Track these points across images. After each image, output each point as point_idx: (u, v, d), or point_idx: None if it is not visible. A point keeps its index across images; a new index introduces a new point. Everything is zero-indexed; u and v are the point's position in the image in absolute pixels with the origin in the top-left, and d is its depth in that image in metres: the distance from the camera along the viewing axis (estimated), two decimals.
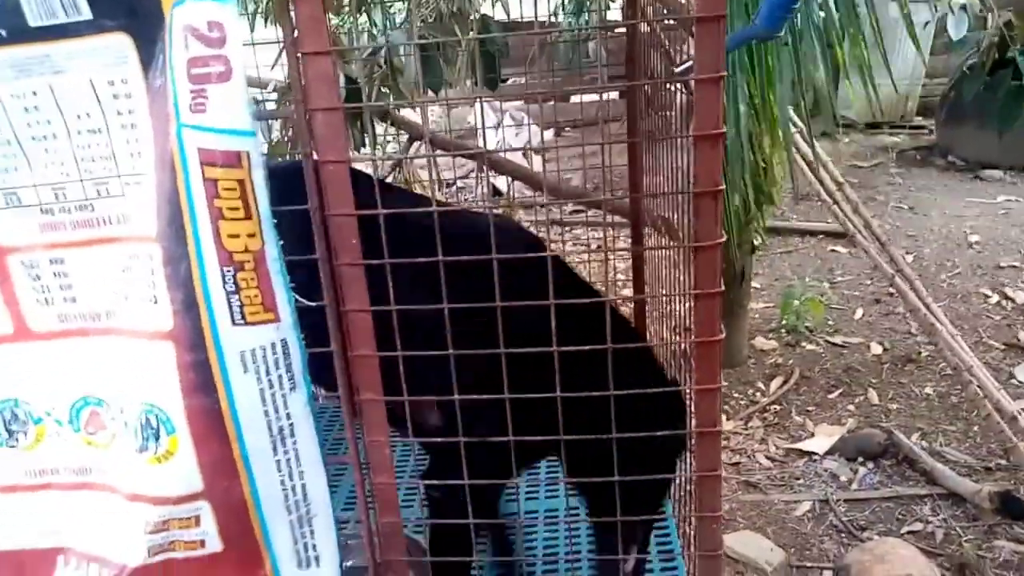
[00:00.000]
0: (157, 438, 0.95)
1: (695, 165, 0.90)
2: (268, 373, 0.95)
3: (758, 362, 3.25)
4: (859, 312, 3.63)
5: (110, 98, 0.88)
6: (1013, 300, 3.63)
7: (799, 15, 1.81)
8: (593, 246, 3.85)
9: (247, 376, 0.93)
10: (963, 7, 2.00)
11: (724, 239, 0.93)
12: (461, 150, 2.54)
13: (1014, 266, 3.99)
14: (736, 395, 3.03)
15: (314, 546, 1.04)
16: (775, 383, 3.08)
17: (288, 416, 0.97)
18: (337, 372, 1.01)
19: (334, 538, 1.05)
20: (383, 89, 2.19)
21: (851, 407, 2.91)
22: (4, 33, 0.85)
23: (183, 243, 0.88)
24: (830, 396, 2.99)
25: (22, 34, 0.86)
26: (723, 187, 0.89)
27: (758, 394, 3.04)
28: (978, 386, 2.36)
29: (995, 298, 3.67)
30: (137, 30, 0.85)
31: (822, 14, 1.97)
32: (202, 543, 0.99)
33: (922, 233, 4.54)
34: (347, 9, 2.58)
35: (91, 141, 0.90)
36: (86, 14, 0.84)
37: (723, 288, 0.98)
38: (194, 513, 0.97)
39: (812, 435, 2.75)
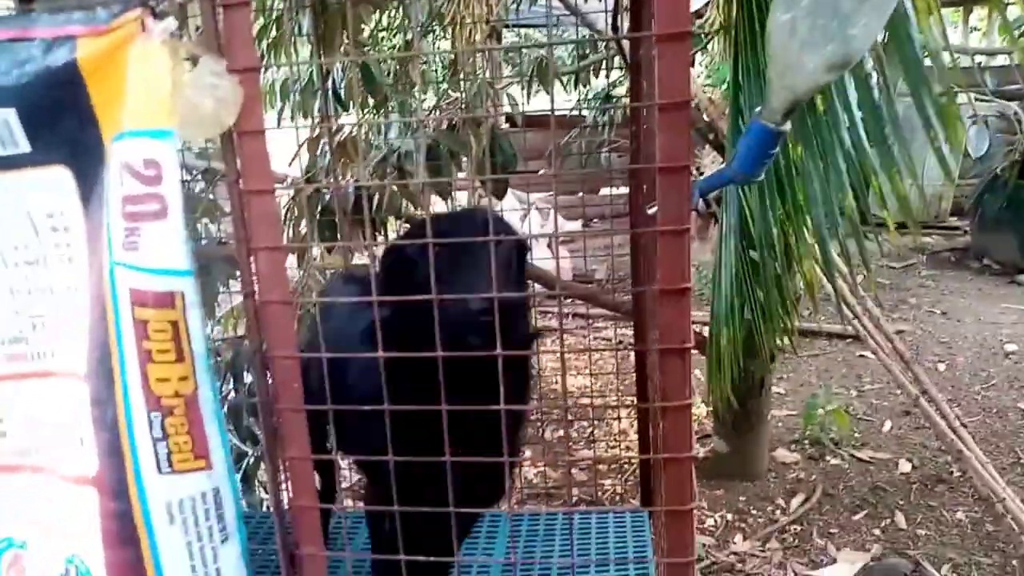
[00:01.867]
0: None
1: (661, 315, 0.83)
2: (197, 524, 0.88)
3: (779, 476, 3.09)
4: (887, 424, 3.46)
5: (49, 230, 0.85)
6: None
7: (824, 137, 1.73)
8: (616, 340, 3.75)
9: (173, 528, 0.86)
10: (985, 121, 1.94)
11: (690, 402, 0.84)
12: None
13: None
14: (755, 511, 2.87)
15: None
16: (796, 500, 2.91)
17: (217, 571, 0.90)
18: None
19: None
20: (394, 188, 2.18)
21: (876, 531, 2.72)
22: None
23: (111, 384, 0.83)
24: (854, 518, 2.81)
25: None
26: (689, 344, 0.82)
27: (778, 512, 2.87)
28: (1012, 519, 2.19)
29: None
30: (77, 164, 0.83)
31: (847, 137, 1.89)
32: None
33: (955, 340, 4.37)
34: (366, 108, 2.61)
35: (28, 273, 0.87)
36: (24, 147, 0.82)
37: (690, 400, 0.88)
38: None
39: (834, 561, 2.57)
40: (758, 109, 0.90)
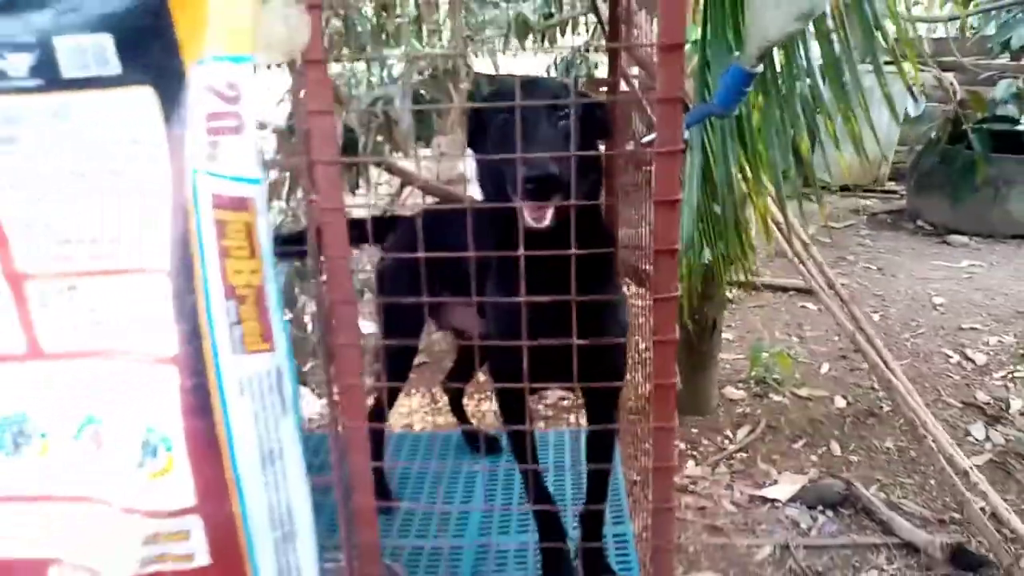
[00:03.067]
0: (155, 455, 1.02)
1: (654, 227, 1.01)
2: (262, 397, 1.03)
3: (727, 411, 3.35)
4: (825, 367, 3.75)
5: (133, 144, 0.98)
6: (973, 361, 3.77)
7: (785, 83, 1.94)
8: None
9: (243, 399, 1.01)
10: (922, 87, 2.16)
11: (679, 293, 1.03)
12: (450, 196, 2.66)
13: (975, 328, 4.15)
14: (705, 442, 3.12)
15: (295, 564, 1.11)
16: (742, 432, 3.18)
17: (278, 439, 1.05)
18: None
19: (314, 556, 1.12)
20: (379, 138, 2.30)
21: (814, 457, 3.01)
22: (42, 82, 0.95)
23: (191, 278, 0.97)
24: (794, 446, 3.09)
25: (56, 84, 0.95)
26: (678, 246, 1.00)
27: (726, 441, 3.13)
28: (932, 440, 2.46)
29: (956, 358, 3.81)
30: (161, 85, 0.96)
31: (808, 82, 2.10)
32: (191, 557, 1.06)
33: (889, 294, 4.70)
34: (347, 57, 2.71)
35: (113, 181, 0.99)
36: (116, 70, 0.94)
37: (677, 336, 1.07)
38: (185, 527, 1.04)
39: (776, 483, 2.84)
40: (736, 54, 1.08)
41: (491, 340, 1.49)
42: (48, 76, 0.95)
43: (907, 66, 1.93)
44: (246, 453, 1.03)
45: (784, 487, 2.79)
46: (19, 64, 0.94)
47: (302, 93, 0.96)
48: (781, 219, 2.72)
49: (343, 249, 1.02)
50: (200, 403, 1.00)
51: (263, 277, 1.00)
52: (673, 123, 0.97)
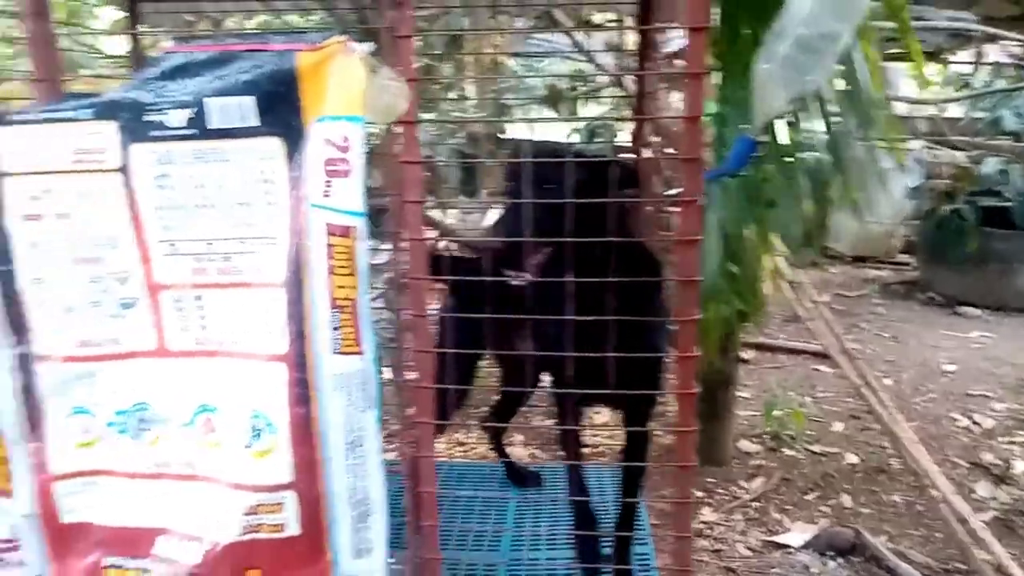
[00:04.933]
0: (259, 437, 1.24)
1: (677, 263, 1.23)
2: (351, 394, 1.24)
3: (742, 463, 3.50)
4: (838, 426, 3.90)
5: (259, 182, 1.22)
6: (980, 425, 3.90)
7: (792, 153, 2.18)
8: None
9: (336, 394, 1.23)
10: (916, 160, 2.40)
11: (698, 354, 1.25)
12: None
13: (983, 395, 4.28)
14: (720, 491, 3.27)
15: (368, 539, 1.30)
16: (756, 482, 3.32)
17: (362, 430, 1.26)
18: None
19: (385, 534, 1.32)
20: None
21: (825, 508, 3.14)
22: (196, 132, 1.20)
23: (302, 290, 1.20)
24: (806, 498, 3.22)
25: (205, 134, 1.20)
26: (698, 278, 1.22)
27: (740, 491, 3.27)
28: (937, 492, 2.61)
29: (964, 422, 3.95)
30: (287, 136, 1.20)
31: (816, 154, 2.34)
32: (282, 527, 1.26)
33: (900, 360, 4.85)
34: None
35: (240, 212, 1.23)
36: (255, 122, 1.19)
37: (696, 389, 1.28)
38: (281, 500, 1.24)
39: (788, 530, 2.97)
40: (744, 126, 1.32)
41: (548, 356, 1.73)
42: (199, 127, 1.20)
43: (901, 143, 2.17)
44: (335, 439, 1.24)
45: (796, 535, 2.92)
46: (179, 118, 1.19)
47: (395, 147, 1.20)
48: (795, 281, 2.94)
49: (423, 271, 1.25)
50: (302, 394, 1.22)
51: (359, 292, 1.23)
52: (694, 178, 1.21)
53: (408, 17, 1.19)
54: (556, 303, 1.53)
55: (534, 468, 2.52)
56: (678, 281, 1.23)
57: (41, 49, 1.25)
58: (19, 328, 1.28)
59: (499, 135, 2.75)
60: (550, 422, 1.76)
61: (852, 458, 3.55)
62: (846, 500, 3.20)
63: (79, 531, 1.33)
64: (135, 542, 1.32)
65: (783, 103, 1.23)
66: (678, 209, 1.23)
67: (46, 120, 1.22)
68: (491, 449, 2.58)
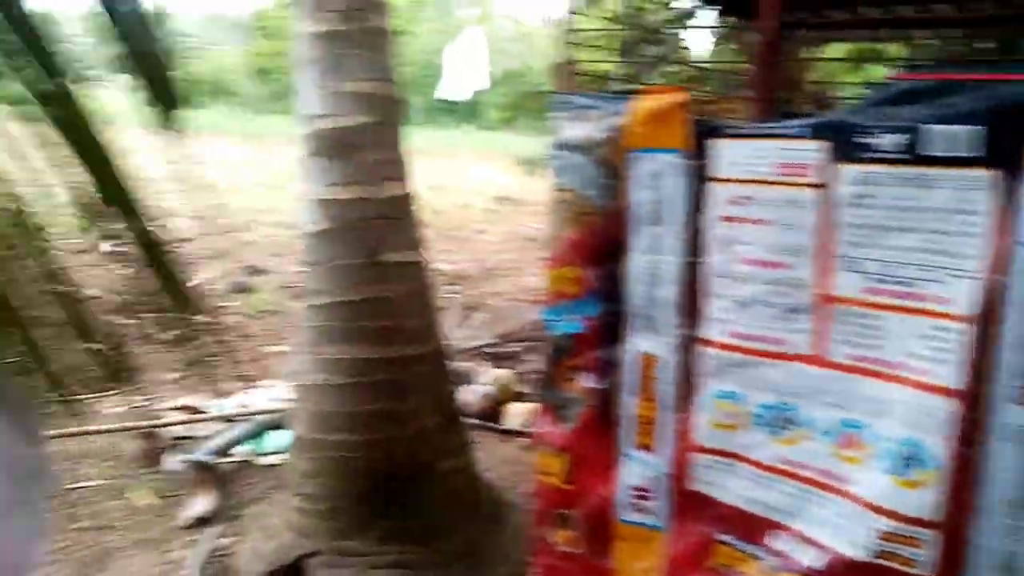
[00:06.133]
0: (909, 466, 1.21)
1: None
2: (1016, 448, 1.14)
3: None
4: None
5: (962, 212, 1.19)
6: None
7: None
8: None
9: (1008, 445, 1.14)
10: None
11: None
12: None
13: None
14: None
15: None
16: None
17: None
18: None
19: None
20: None
21: None
22: (907, 157, 1.22)
23: (990, 328, 1.14)
24: None
25: (916, 158, 1.21)
26: None
27: None
28: None
29: None
30: (1006, 168, 1.15)
31: None
32: (915, 563, 1.21)
33: None
34: None
35: (933, 239, 1.22)
36: (976, 152, 1.16)
37: None
38: (921, 537, 1.20)
39: None
40: None
41: None
42: (911, 152, 1.21)
43: None
44: (998, 492, 1.15)
45: None
46: (891, 141, 1.23)
47: None
48: None
49: None
50: (970, 435, 1.16)
51: None
52: None
53: None
54: None
55: None
56: None
57: (763, 73, 1.40)
58: (690, 313, 1.47)
59: None
60: None
61: None
62: None
63: (703, 502, 1.47)
64: (751, 529, 1.41)
65: None
66: None
67: (761, 135, 1.37)
68: None
